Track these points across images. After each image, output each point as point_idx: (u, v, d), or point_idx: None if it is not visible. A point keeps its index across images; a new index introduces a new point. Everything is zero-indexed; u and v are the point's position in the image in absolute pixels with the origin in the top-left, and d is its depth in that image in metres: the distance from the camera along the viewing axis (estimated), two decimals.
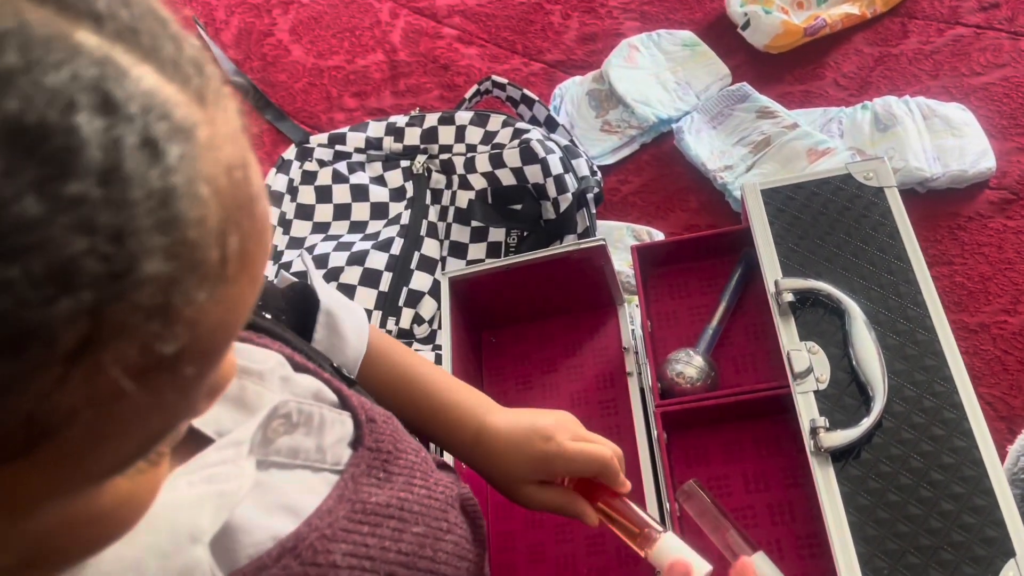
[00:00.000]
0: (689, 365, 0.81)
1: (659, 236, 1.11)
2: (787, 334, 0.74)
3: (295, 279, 0.68)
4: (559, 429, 0.63)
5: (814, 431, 0.68)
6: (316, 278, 0.65)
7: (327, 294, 0.64)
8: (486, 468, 0.65)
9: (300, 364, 0.51)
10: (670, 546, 0.58)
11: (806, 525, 0.75)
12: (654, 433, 0.80)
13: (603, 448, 0.62)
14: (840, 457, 0.68)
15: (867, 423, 0.68)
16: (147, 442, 0.27)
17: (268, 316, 0.54)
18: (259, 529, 0.41)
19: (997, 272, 1.03)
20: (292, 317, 0.62)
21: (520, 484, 0.63)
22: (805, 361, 0.72)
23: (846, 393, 0.71)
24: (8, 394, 0.21)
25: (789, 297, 0.75)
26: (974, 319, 1.01)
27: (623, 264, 1.05)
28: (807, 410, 0.70)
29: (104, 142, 0.21)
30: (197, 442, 0.42)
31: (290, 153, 1.25)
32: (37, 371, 0.21)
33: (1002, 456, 0.84)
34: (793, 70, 1.24)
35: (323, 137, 1.24)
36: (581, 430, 0.64)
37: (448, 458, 0.74)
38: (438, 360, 1.04)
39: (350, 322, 0.64)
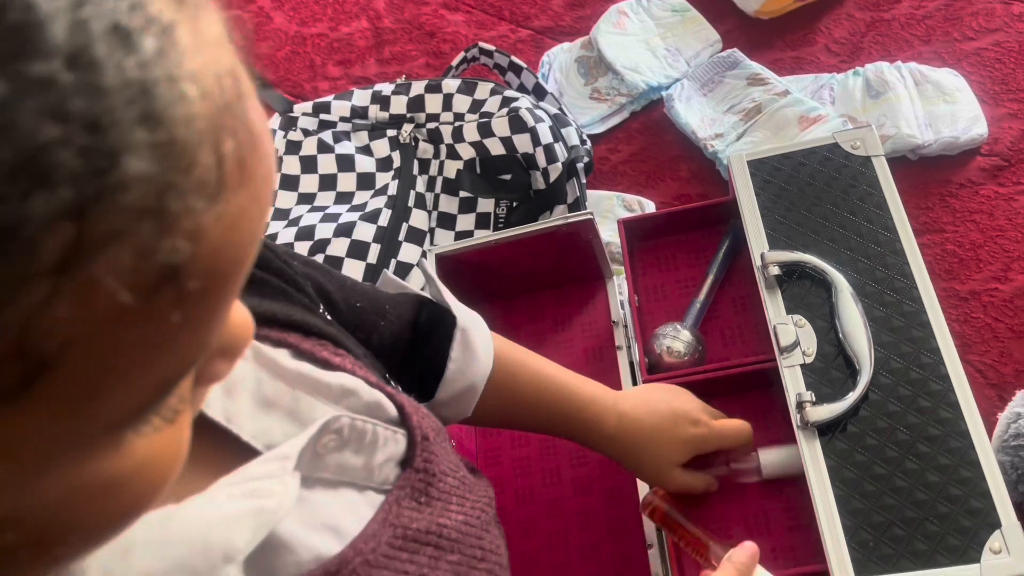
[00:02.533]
0: (676, 339, 0.80)
1: (650, 205, 1.09)
2: (773, 307, 0.73)
3: (405, 284, 0.67)
4: (699, 411, 0.70)
5: (800, 405, 0.68)
6: (447, 293, 0.64)
7: (460, 309, 0.63)
8: (632, 457, 0.69)
9: (364, 378, 0.49)
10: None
11: (793, 498, 0.75)
12: None
13: (743, 421, 0.72)
14: (826, 431, 0.68)
15: (853, 396, 0.67)
16: (157, 387, 0.25)
17: (351, 341, 0.53)
18: (303, 548, 0.39)
19: (988, 240, 1.02)
20: (410, 331, 0.61)
21: (670, 468, 0.69)
22: (791, 335, 0.71)
23: (833, 366, 0.70)
24: None
25: (775, 270, 0.74)
26: (965, 287, 1.01)
27: (613, 235, 1.05)
28: (793, 384, 0.70)
29: (68, 23, 0.19)
30: (244, 455, 0.40)
31: (273, 123, 1.23)
32: (23, 283, 0.19)
33: (992, 424, 0.85)
34: (784, 36, 1.22)
35: (307, 106, 1.22)
36: (701, 403, 0.72)
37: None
38: None
39: (479, 337, 0.64)
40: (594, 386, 0.71)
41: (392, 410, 0.49)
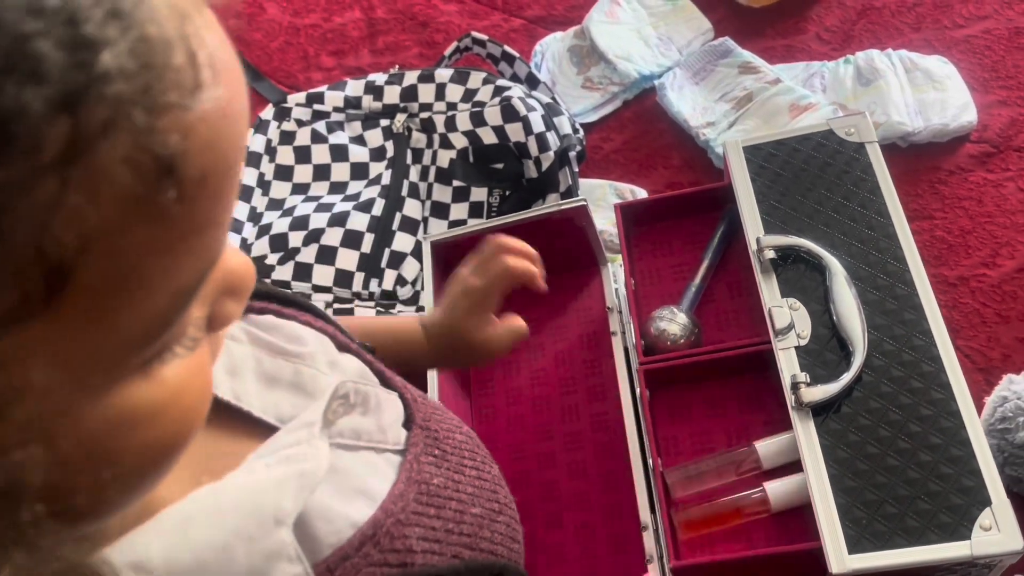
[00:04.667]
0: (672, 322, 0.81)
1: (642, 194, 1.10)
2: (769, 291, 0.74)
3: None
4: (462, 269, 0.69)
5: (795, 386, 0.69)
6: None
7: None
8: (451, 346, 0.69)
9: (343, 343, 0.51)
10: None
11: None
12: (638, 391, 0.81)
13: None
14: (820, 411, 0.69)
15: (847, 377, 0.68)
16: (173, 297, 0.26)
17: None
18: (338, 517, 0.41)
19: (977, 226, 1.04)
20: None
21: (476, 331, 0.68)
22: (786, 317, 0.72)
23: (827, 348, 0.71)
24: (9, 211, 0.21)
25: (771, 254, 0.75)
26: (954, 272, 1.02)
27: (606, 223, 1.05)
28: (788, 366, 0.71)
29: None
30: (259, 432, 0.42)
31: (268, 113, 1.23)
32: (34, 178, 0.21)
33: (980, 408, 0.86)
34: (775, 24, 1.23)
35: (301, 96, 1.22)
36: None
37: None
38: None
39: None
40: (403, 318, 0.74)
41: (374, 376, 0.50)
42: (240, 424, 0.42)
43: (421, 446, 0.48)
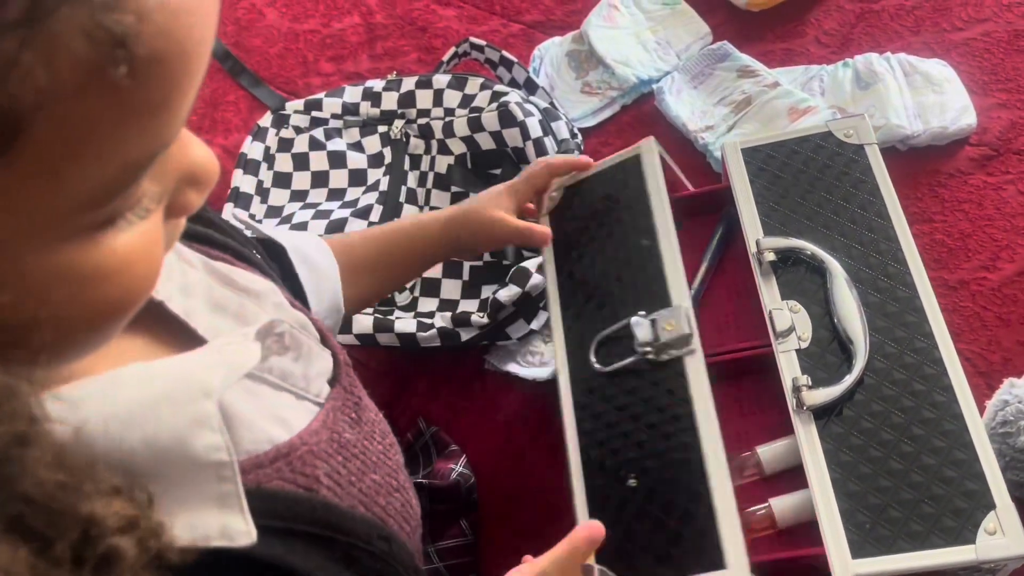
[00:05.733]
0: None
1: None
2: (769, 293, 0.74)
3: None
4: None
5: (796, 389, 0.69)
6: (268, 227, 0.69)
7: (282, 235, 0.68)
8: (465, 225, 0.79)
9: (290, 300, 0.54)
10: None
11: (791, 483, 0.76)
12: None
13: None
14: (822, 415, 0.68)
15: (849, 380, 0.68)
16: (124, 168, 0.28)
17: (258, 256, 0.58)
18: (259, 431, 0.44)
19: (977, 229, 1.03)
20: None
21: (492, 209, 0.78)
22: (787, 320, 0.72)
23: (828, 351, 0.71)
24: None
25: (770, 256, 0.75)
26: (954, 276, 1.01)
27: None
28: (789, 369, 0.70)
29: None
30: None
31: (266, 120, 1.23)
32: None
33: (980, 411, 0.85)
34: (774, 28, 1.23)
35: (299, 103, 1.22)
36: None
37: None
38: (423, 329, 1.04)
39: (309, 246, 0.69)
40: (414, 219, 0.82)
41: (315, 331, 0.54)
42: (185, 340, 0.45)
43: (340, 403, 0.52)
